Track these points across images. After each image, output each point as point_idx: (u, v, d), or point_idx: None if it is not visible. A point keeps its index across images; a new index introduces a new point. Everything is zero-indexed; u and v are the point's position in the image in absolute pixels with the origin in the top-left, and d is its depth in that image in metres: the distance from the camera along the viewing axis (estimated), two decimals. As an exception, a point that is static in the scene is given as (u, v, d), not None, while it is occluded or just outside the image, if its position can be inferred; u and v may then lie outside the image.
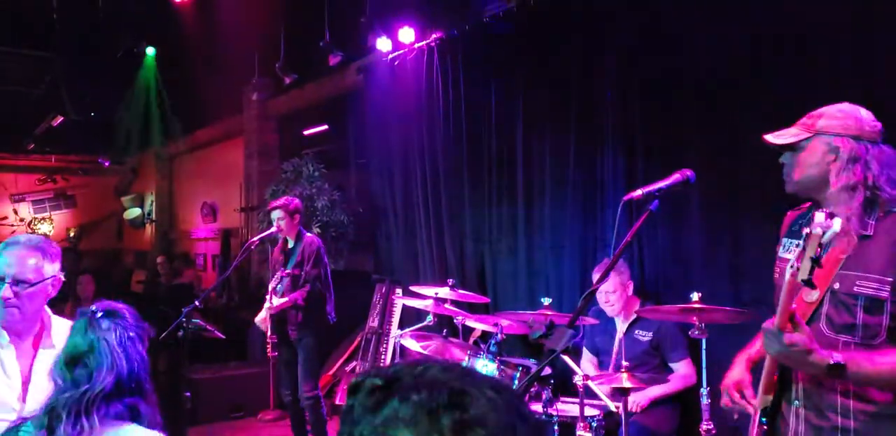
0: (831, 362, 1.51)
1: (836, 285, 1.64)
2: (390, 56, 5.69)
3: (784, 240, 1.90)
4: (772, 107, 3.29)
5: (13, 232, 12.33)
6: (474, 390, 0.67)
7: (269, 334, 4.18)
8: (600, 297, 3.42)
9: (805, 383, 1.70)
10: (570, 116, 4.27)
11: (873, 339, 1.61)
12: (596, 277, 3.54)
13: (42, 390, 1.90)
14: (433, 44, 5.31)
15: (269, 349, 4.17)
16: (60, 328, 2.03)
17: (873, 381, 1.58)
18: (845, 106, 1.77)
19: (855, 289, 1.62)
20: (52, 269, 1.97)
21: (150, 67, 8.51)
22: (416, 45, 5.43)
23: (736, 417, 1.89)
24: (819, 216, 1.40)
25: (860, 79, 2.97)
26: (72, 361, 1.62)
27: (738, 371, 1.93)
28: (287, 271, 4.15)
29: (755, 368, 1.91)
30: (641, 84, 3.86)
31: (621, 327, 3.49)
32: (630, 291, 3.53)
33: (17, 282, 1.88)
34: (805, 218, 1.83)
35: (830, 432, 1.64)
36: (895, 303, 1.60)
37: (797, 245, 1.52)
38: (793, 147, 1.77)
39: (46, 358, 1.92)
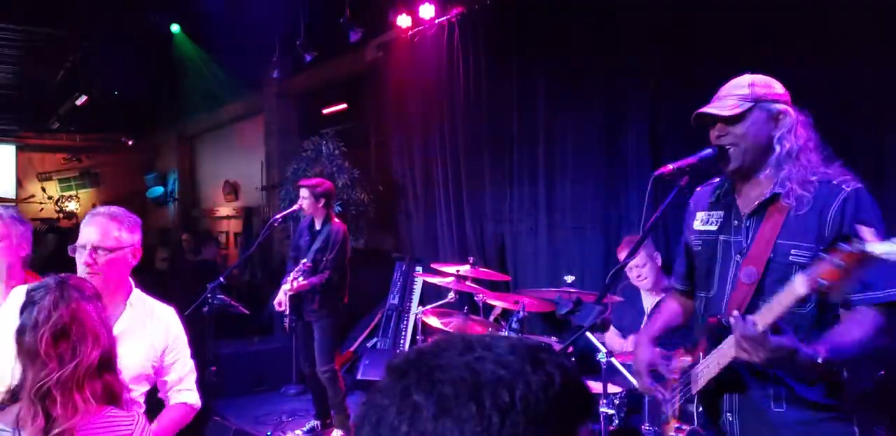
0: (819, 361, 1.45)
1: (773, 256, 1.64)
2: (410, 32, 5.63)
3: (701, 214, 1.89)
4: (796, 79, 3.19)
5: (41, 210, 12.57)
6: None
7: (286, 313, 4.28)
8: (631, 273, 3.38)
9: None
10: (592, 92, 4.21)
11: (802, 307, 1.60)
12: (622, 255, 3.51)
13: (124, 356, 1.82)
14: (454, 19, 5.23)
15: (285, 323, 4.29)
16: (139, 301, 2.07)
17: (856, 358, 1.55)
18: (760, 76, 1.76)
19: (790, 258, 1.62)
20: (131, 238, 2.02)
21: (182, 43, 8.54)
22: (437, 21, 5.36)
23: (660, 396, 1.86)
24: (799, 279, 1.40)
25: (878, 50, 2.88)
26: (58, 333, 1.47)
27: (647, 352, 1.89)
28: (309, 263, 4.17)
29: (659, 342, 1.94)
30: (666, 59, 3.77)
31: (649, 304, 3.47)
32: (659, 262, 3.47)
33: (96, 249, 1.94)
34: (722, 188, 1.82)
35: (762, 400, 1.66)
36: None
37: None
38: (733, 119, 1.70)
39: (124, 326, 1.96)
